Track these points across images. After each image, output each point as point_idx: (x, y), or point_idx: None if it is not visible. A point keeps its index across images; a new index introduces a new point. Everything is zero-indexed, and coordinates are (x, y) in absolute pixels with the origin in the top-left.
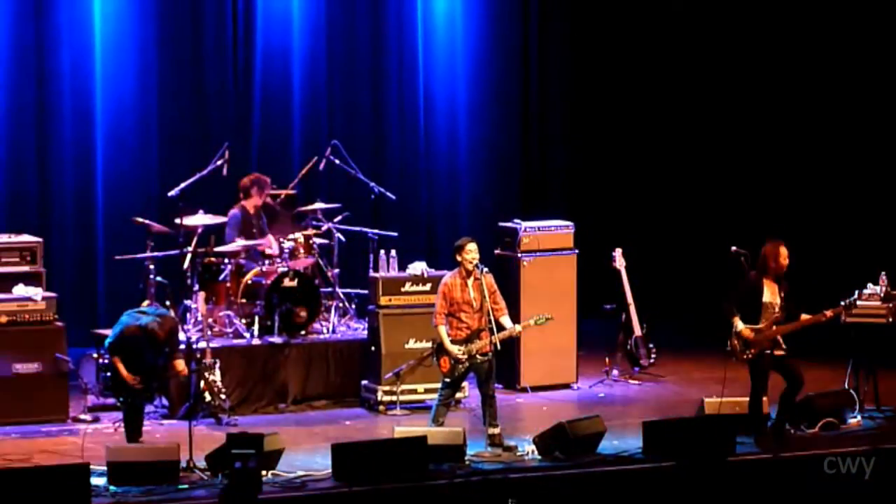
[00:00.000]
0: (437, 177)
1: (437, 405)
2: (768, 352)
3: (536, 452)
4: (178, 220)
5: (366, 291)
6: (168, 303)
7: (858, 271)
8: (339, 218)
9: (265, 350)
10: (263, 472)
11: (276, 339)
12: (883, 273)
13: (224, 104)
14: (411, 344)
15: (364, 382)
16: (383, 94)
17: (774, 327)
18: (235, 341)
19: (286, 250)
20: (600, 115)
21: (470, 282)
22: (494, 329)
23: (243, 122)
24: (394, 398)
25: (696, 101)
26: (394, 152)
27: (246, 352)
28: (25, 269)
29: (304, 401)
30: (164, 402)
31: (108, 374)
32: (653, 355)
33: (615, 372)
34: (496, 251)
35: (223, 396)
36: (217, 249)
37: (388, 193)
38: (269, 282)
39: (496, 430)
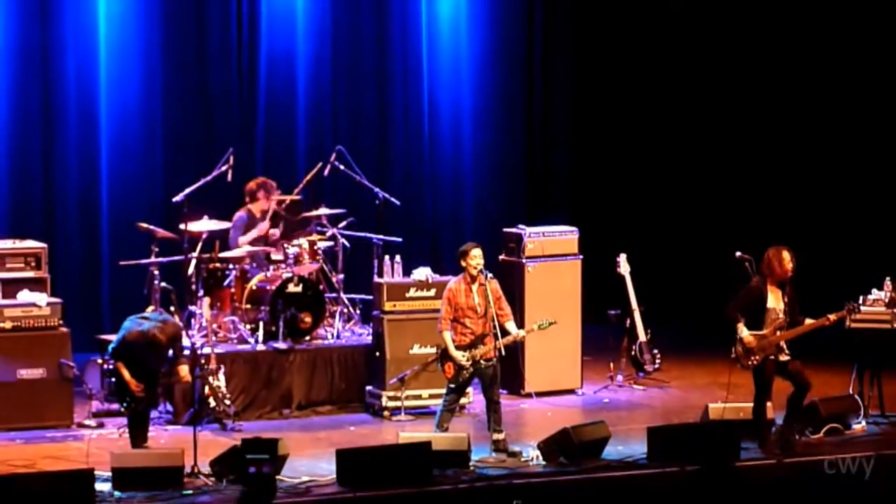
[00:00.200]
0: (442, 182)
1: (441, 411)
2: (773, 357)
3: (541, 458)
4: (182, 226)
5: (370, 297)
6: (173, 308)
7: (863, 277)
8: (343, 223)
9: (270, 355)
10: None
11: (281, 345)
12: (888, 279)
13: (229, 109)
14: (416, 349)
15: (368, 388)
16: (388, 99)
17: (778, 333)
18: (240, 347)
19: (291, 256)
20: (604, 120)
21: (475, 287)
22: (499, 334)
23: (248, 127)
24: (398, 403)
25: (701, 105)
26: (398, 158)
27: (250, 357)
28: (30, 274)
29: (308, 406)
30: (169, 407)
31: (113, 379)
32: (657, 361)
33: (619, 377)
34: (500, 257)
35: (227, 402)
36: (222, 255)
37: (393, 199)
38: (273, 287)
39: (501, 436)
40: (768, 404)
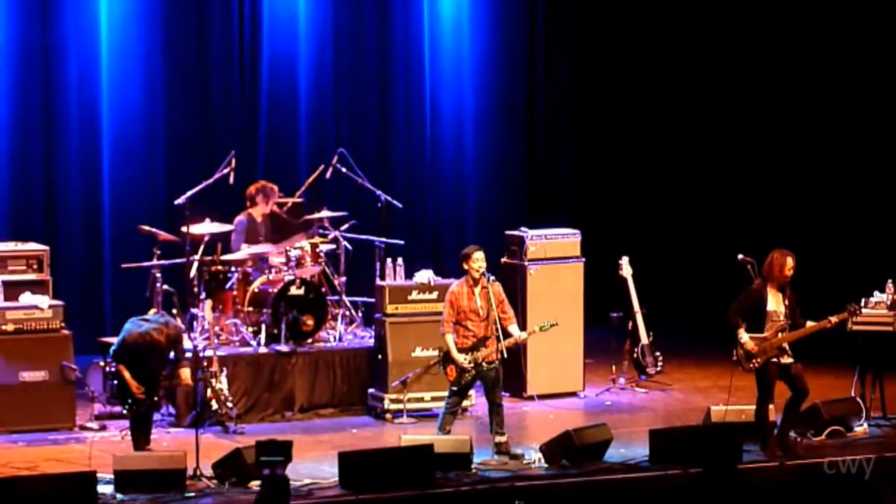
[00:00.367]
0: (444, 185)
1: (443, 413)
2: (775, 360)
3: (543, 460)
4: (184, 229)
5: (372, 299)
6: (175, 311)
7: (865, 279)
8: (345, 226)
9: (272, 358)
10: None
11: (283, 348)
12: (890, 281)
13: (230, 112)
14: (418, 352)
15: (371, 390)
16: (390, 101)
17: (780, 335)
18: (242, 349)
19: (293, 259)
20: (607, 122)
21: (477, 290)
22: (501, 337)
23: (250, 129)
24: (400, 406)
25: (703, 108)
26: (400, 160)
27: (252, 360)
28: (32, 277)
29: (310, 409)
30: (171, 410)
31: (115, 382)
32: (659, 363)
33: (622, 380)
34: (503, 259)
35: (230, 405)
36: (224, 258)
37: (395, 201)
38: (275, 290)
39: (503, 439)
40: (770, 407)
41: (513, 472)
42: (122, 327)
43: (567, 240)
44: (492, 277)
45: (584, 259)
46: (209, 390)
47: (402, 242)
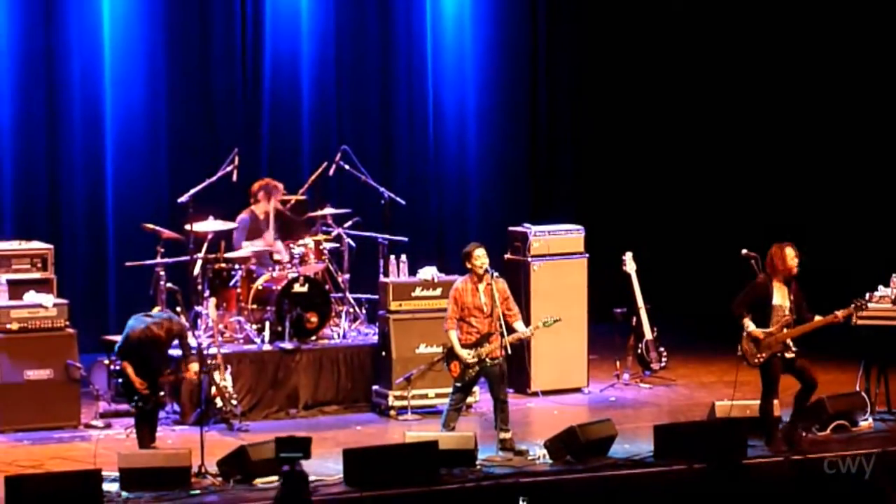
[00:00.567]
0: (447, 181)
1: (448, 410)
2: (779, 355)
3: (547, 456)
4: (188, 226)
5: (376, 296)
6: (179, 309)
7: (870, 273)
8: (349, 223)
9: (276, 356)
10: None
11: (287, 345)
12: (894, 275)
13: (233, 110)
14: (422, 349)
15: (375, 387)
16: (392, 98)
17: (785, 330)
18: (246, 347)
19: (296, 256)
20: (609, 118)
21: (481, 287)
22: (505, 333)
23: (253, 127)
24: (405, 403)
25: (706, 104)
26: (403, 157)
27: (257, 357)
28: (36, 275)
29: (314, 406)
30: (176, 407)
31: (120, 380)
32: (663, 359)
33: (626, 376)
34: (506, 256)
35: (234, 402)
36: (227, 255)
37: (398, 198)
38: (279, 287)
39: (507, 435)
40: (775, 402)
41: (517, 469)
42: (126, 325)
43: (570, 236)
44: (496, 274)
45: (587, 255)
46: (214, 388)
47: (405, 239)
